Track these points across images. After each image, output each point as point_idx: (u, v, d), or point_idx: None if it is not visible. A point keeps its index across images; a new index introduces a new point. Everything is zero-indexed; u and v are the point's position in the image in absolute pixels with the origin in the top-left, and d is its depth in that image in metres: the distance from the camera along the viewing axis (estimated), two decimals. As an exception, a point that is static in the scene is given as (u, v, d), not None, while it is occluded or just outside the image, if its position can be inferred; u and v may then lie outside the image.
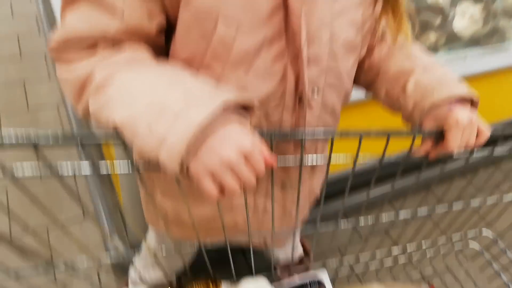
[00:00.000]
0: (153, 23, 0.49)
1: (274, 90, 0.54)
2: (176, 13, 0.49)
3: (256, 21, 0.48)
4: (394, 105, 0.68)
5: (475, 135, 0.59)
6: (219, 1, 0.46)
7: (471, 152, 0.62)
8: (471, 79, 1.32)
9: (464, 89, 0.60)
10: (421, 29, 1.40)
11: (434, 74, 0.63)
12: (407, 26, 0.61)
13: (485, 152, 0.67)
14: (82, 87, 0.47)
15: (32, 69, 2.02)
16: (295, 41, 0.50)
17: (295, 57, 0.52)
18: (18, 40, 2.19)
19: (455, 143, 0.57)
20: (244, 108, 0.46)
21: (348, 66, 0.60)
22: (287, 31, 0.50)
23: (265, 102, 0.55)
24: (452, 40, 1.43)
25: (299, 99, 0.56)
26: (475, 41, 1.45)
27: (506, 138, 0.65)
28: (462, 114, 0.57)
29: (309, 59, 0.53)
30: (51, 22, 1.87)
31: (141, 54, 0.49)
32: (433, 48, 1.39)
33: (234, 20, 0.47)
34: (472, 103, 0.62)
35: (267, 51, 0.51)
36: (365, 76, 0.71)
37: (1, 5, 2.46)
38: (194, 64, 0.51)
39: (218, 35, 0.48)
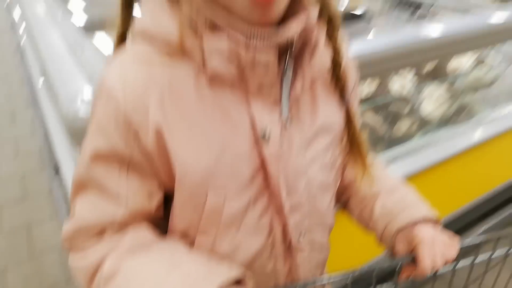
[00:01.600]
0: (153, 203, 0.54)
1: (265, 243, 0.58)
2: (173, 188, 0.53)
3: (240, 186, 0.53)
4: (367, 226, 0.71)
5: (445, 250, 0.62)
6: (207, 177, 0.51)
7: (454, 266, 0.64)
8: (446, 162, 1.38)
9: (424, 211, 0.64)
10: (393, 120, 1.50)
11: (397, 196, 0.68)
12: (369, 158, 0.65)
13: (467, 262, 0.69)
14: (93, 275, 0.52)
15: (37, 210, 2.10)
16: (276, 196, 0.55)
17: (278, 209, 0.56)
18: (23, 180, 2.31)
19: (426, 263, 0.60)
20: (238, 282, 0.50)
21: (326, 204, 0.64)
22: (268, 188, 0.55)
23: (258, 256, 0.58)
24: (424, 124, 1.52)
25: (288, 245, 0.59)
26: (445, 121, 1.54)
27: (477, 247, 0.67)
28: (426, 233, 0.61)
29: (291, 208, 0.56)
30: (52, 159, 2.00)
31: (143, 236, 0.54)
32: (407, 136, 1.47)
33: (222, 189, 0.52)
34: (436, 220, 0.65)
35: (253, 210, 0.55)
36: (338, 200, 0.76)
37: (5, 144, 2.63)
38: (191, 232, 0.55)
39: (209, 205, 0.52)
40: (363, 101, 1.44)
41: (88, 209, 0.53)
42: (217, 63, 0.47)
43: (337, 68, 0.57)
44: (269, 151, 0.52)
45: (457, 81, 1.58)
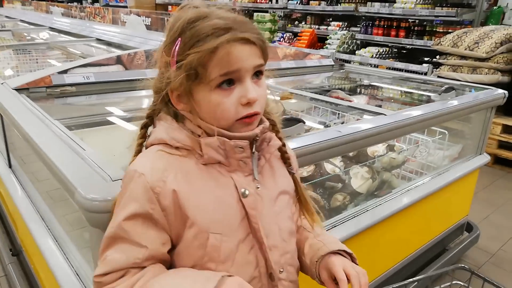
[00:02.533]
0: (165, 248, 0.76)
1: (253, 274, 0.80)
2: (178, 238, 0.77)
3: (232, 230, 0.77)
4: (302, 263, 0.94)
5: (358, 276, 0.82)
6: (209, 223, 0.75)
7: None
8: (376, 226, 1.68)
9: (338, 246, 0.89)
10: (329, 194, 1.81)
11: (321, 237, 0.93)
12: (314, 214, 0.93)
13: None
14: None
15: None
16: (258, 237, 0.79)
17: (261, 247, 0.80)
18: (-29, 268, 2.24)
19: (343, 284, 0.82)
20: None
21: (293, 247, 0.90)
22: (252, 230, 0.79)
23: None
24: (355, 196, 1.84)
25: (270, 276, 0.82)
26: (372, 194, 1.88)
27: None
28: (338, 262, 0.85)
29: (270, 247, 0.81)
30: (6, 243, 2.01)
31: (160, 268, 0.75)
32: (343, 208, 1.77)
33: (219, 232, 0.76)
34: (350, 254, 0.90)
35: (242, 247, 0.78)
36: None
37: None
38: (196, 268, 0.77)
39: (210, 244, 0.76)
40: (305, 179, 1.75)
41: (118, 254, 0.74)
42: (210, 152, 0.77)
43: (282, 150, 0.89)
44: (248, 203, 0.78)
45: (376, 162, 1.96)
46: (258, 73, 0.76)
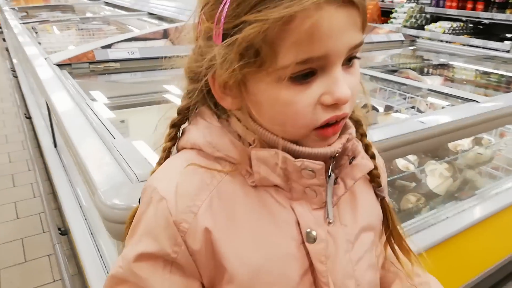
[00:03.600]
0: None
1: None
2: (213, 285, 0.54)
3: (289, 286, 0.53)
4: None
5: None
6: (255, 276, 0.51)
7: None
8: (453, 238, 1.40)
9: None
10: (399, 194, 1.54)
11: (421, 280, 0.69)
12: (410, 254, 0.66)
13: None
14: None
15: (37, 274, 2.04)
16: None
17: None
18: (23, 243, 2.27)
19: None
20: None
21: None
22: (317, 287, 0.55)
23: None
24: (430, 198, 1.55)
25: None
26: (451, 196, 1.58)
27: None
28: None
29: None
30: (54, 222, 1.99)
31: None
32: (415, 211, 1.50)
33: None
34: None
35: None
36: None
37: (5, 207, 2.60)
38: None
39: None
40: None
41: None
42: (264, 171, 0.51)
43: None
44: (316, 252, 0.53)
45: (458, 159, 1.64)
46: (351, 57, 0.49)
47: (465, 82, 2.44)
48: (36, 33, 2.64)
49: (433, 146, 1.39)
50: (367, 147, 0.60)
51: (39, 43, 2.32)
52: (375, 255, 0.63)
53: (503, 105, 1.32)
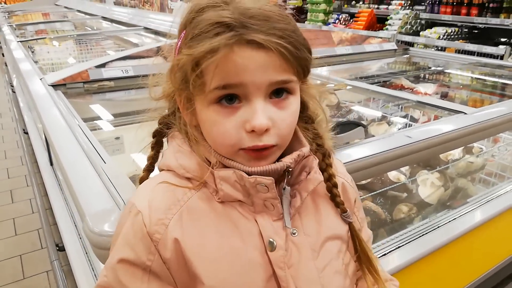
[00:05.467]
0: None
1: None
2: None
3: None
4: None
5: None
6: (222, 285, 0.56)
7: None
8: (449, 246, 1.41)
9: None
10: (391, 204, 1.55)
11: None
12: (380, 271, 0.69)
13: None
14: None
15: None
16: None
17: None
18: (21, 260, 2.28)
19: None
20: None
21: None
22: None
23: None
24: (422, 208, 1.57)
25: None
26: (443, 204, 1.59)
27: None
28: None
29: None
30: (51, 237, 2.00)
31: None
32: (408, 221, 1.51)
33: None
34: None
35: None
36: None
37: (3, 223, 2.61)
38: None
39: None
40: (362, 187, 1.50)
41: None
42: (227, 188, 0.57)
43: (333, 191, 0.65)
44: (275, 259, 0.57)
45: (450, 168, 1.66)
46: (281, 91, 0.55)
47: (457, 88, 2.46)
48: (32, 52, 2.67)
49: (420, 160, 1.41)
50: (330, 177, 0.65)
51: (36, 62, 2.35)
52: (342, 263, 0.65)
53: (489, 117, 1.34)
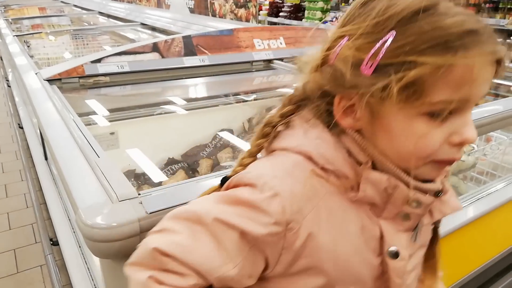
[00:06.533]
0: (246, 283, 0.56)
1: None
2: (277, 277, 0.57)
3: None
4: None
5: None
6: (341, 278, 0.56)
7: None
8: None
9: None
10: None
11: None
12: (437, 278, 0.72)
13: None
14: None
15: (29, 284, 2.07)
16: None
17: None
18: (15, 254, 2.28)
19: None
20: None
21: None
22: None
23: None
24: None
25: None
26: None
27: None
28: None
29: None
30: (46, 232, 2.01)
31: None
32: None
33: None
34: None
35: None
36: None
37: (-1, 217, 2.62)
38: None
39: None
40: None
41: (196, 248, 0.53)
42: (370, 192, 0.54)
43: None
44: (396, 268, 0.57)
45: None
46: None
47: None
48: (28, 46, 2.67)
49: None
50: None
51: (31, 56, 2.35)
52: (420, 268, 0.67)
53: (479, 116, 1.36)
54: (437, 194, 0.57)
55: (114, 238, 0.72)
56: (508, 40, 0.54)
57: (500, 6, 4.71)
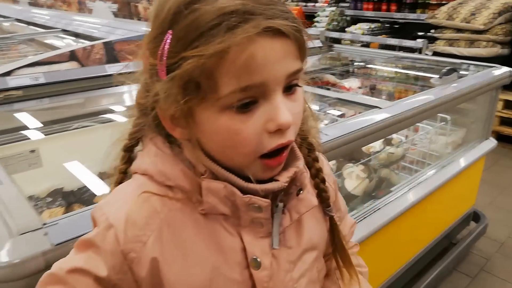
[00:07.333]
0: None
1: None
2: None
3: None
4: None
5: None
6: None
7: None
8: (375, 235, 1.47)
9: None
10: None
11: None
12: (352, 268, 0.69)
13: None
14: None
15: None
16: None
17: None
18: None
19: None
20: None
21: None
22: None
23: None
24: (350, 200, 1.62)
25: None
26: (369, 195, 1.66)
27: None
28: None
29: None
30: None
31: None
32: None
33: None
34: None
35: None
36: None
37: None
38: None
39: None
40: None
41: None
42: (213, 202, 0.52)
43: (320, 186, 0.63)
44: (260, 279, 0.55)
45: (372, 160, 1.73)
46: (291, 84, 0.50)
47: (380, 82, 2.59)
48: None
49: (339, 156, 1.45)
50: (317, 172, 0.62)
51: None
52: (316, 271, 0.65)
53: (402, 109, 1.42)
54: (298, 192, 0.57)
55: (17, 277, 0.65)
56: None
57: (419, 1, 5.03)
